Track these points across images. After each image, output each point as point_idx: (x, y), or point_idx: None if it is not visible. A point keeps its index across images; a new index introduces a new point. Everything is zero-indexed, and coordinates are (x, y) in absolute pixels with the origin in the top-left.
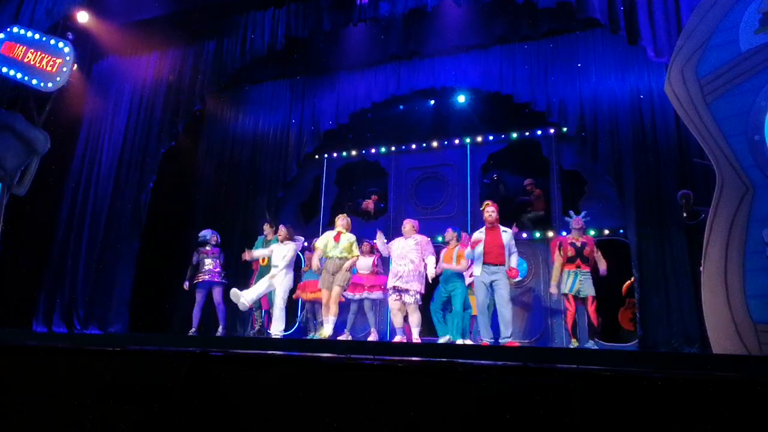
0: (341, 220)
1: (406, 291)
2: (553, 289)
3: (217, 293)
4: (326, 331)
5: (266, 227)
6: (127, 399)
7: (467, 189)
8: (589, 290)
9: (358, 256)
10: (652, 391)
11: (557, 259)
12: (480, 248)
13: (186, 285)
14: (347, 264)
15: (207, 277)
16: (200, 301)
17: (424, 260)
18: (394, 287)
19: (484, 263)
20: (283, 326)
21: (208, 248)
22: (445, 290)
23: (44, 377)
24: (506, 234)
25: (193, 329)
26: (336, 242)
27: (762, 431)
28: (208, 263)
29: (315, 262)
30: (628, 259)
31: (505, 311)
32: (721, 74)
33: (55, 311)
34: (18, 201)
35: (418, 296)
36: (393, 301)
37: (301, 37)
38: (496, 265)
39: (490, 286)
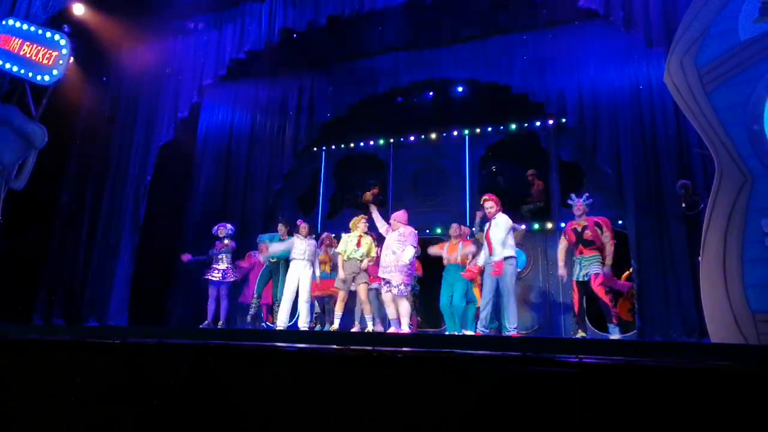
0: (362, 224)
1: (390, 282)
2: (560, 271)
3: (223, 290)
4: (335, 326)
5: (281, 227)
6: (127, 394)
7: (466, 180)
8: (593, 269)
9: (374, 257)
10: (652, 380)
11: (560, 243)
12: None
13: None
14: (364, 264)
15: (219, 276)
16: (213, 296)
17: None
18: (380, 277)
19: (489, 255)
20: (308, 318)
21: (225, 242)
22: (447, 284)
23: (43, 372)
24: (507, 222)
25: (208, 321)
26: (357, 247)
27: (760, 420)
28: (222, 260)
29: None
30: (626, 250)
31: (509, 305)
32: (720, 64)
33: (55, 305)
34: (16, 195)
35: (402, 287)
36: (384, 293)
37: (297, 29)
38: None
39: (496, 281)
